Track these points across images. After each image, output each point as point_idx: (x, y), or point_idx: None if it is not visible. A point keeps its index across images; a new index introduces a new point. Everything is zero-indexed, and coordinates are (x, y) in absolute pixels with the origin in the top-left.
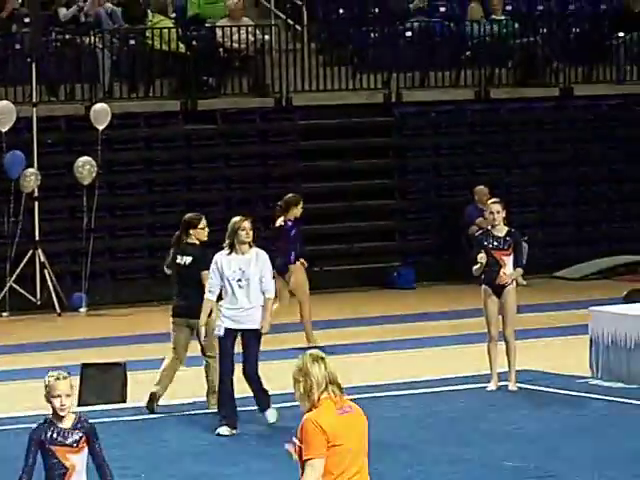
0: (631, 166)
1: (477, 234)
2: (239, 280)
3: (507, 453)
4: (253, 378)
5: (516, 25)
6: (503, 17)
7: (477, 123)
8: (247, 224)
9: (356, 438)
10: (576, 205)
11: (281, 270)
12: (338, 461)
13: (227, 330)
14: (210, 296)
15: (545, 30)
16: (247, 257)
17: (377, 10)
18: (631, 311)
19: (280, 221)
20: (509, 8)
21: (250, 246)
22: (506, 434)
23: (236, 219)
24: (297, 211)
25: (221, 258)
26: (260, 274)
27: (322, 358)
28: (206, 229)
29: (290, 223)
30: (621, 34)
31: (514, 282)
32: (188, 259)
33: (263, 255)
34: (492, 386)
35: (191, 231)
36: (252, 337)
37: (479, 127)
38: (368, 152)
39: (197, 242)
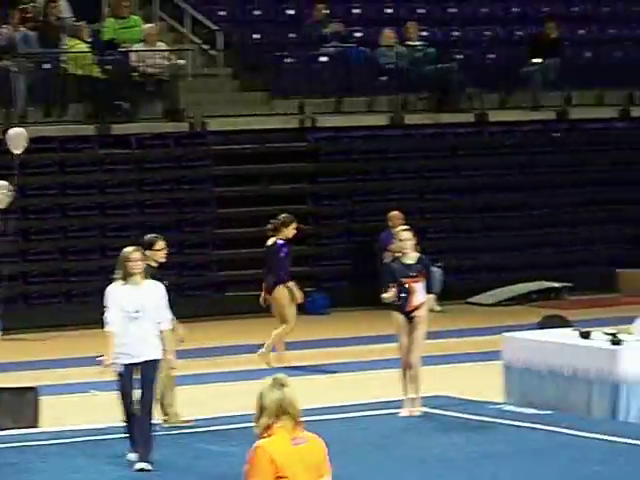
0: (544, 193)
1: (387, 261)
2: (136, 311)
3: (420, 479)
4: (146, 411)
5: (431, 51)
6: (418, 43)
7: (391, 149)
8: (136, 255)
9: (307, 471)
10: (490, 231)
11: (271, 289)
12: None
13: (125, 366)
14: (111, 328)
15: (460, 56)
16: (142, 288)
17: (293, 35)
18: (544, 337)
19: (271, 240)
20: (424, 34)
21: (142, 277)
22: (419, 460)
23: (126, 250)
24: (289, 232)
25: (115, 289)
26: (156, 305)
27: (282, 385)
28: (163, 250)
29: (281, 243)
30: (537, 60)
31: (425, 309)
32: None
33: (159, 286)
34: (405, 412)
35: (148, 252)
36: (150, 368)
37: (393, 153)
38: (282, 177)
39: (154, 263)
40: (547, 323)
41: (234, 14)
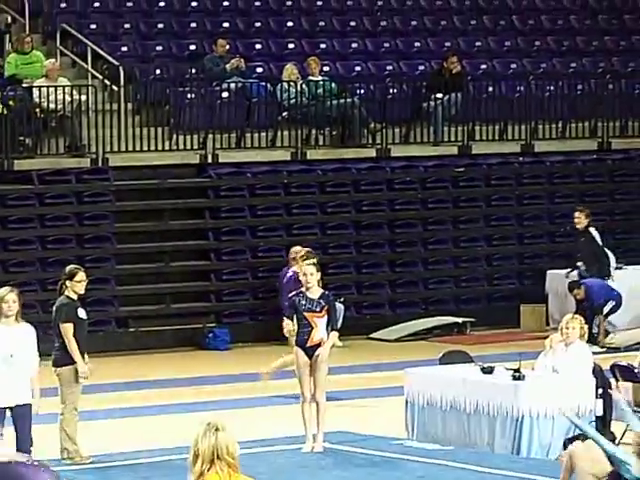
0: (445, 228)
1: (290, 295)
2: (10, 355)
3: None
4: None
5: (333, 86)
6: (320, 78)
7: (294, 184)
8: (11, 296)
9: None
10: (392, 266)
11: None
12: None
13: None
14: None
15: (362, 91)
16: (15, 330)
17: (194, 71)
18: (446, 373)
19: (285, 269)
20: (326, 69)
21: (17, 319)
22: None
23: (1, 291)
24: (299, 266)
25: None
26: (27, 349)
27: (217, 429)
28: (83, 282)
29: (291, 273)
30: (439, 95)
31: (329, 345)
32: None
33: (30, 329)
34: (307, 447)
35: (67, 283)
36: (23, 413)
37: (295, 188)
38: (184, 213)
39: (73, 295)
40: (449, 358)
41: (136, 49)
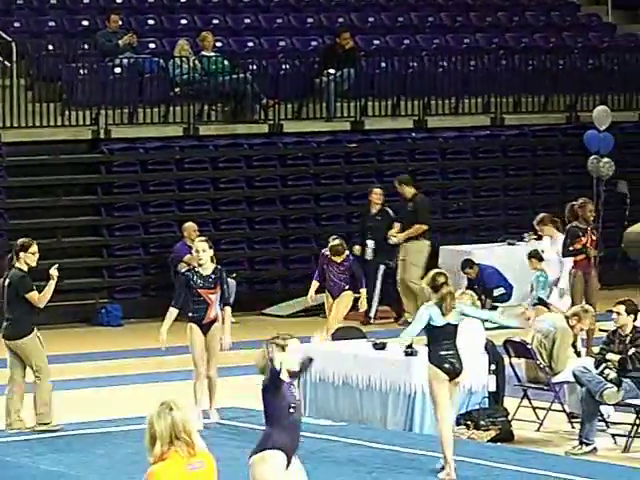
0: (338, 203)
1: (183, 271)
2: None
3: None
4: None
5: (225, 62)
6: (213, 54)
7: (186, 159)
8: None
9: None
10: (284, 243)
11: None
12: None
13: None
14: None
15: (255, 67)
16: None
17: (86, 46)
18: (339, 348)
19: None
20: (219, 44)
21: None
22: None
23: None
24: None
25: None
26: None
27: (171, 409)
28: (36, 255)
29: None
30: (331, 71)
31: (220, 320)
32: (7, 281)
33: None
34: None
35: (21, 254)
36: None
37: (188, 163)
38: (77, 188)
39: (24, 266)
40: (342, 334)
41: (28, 25)
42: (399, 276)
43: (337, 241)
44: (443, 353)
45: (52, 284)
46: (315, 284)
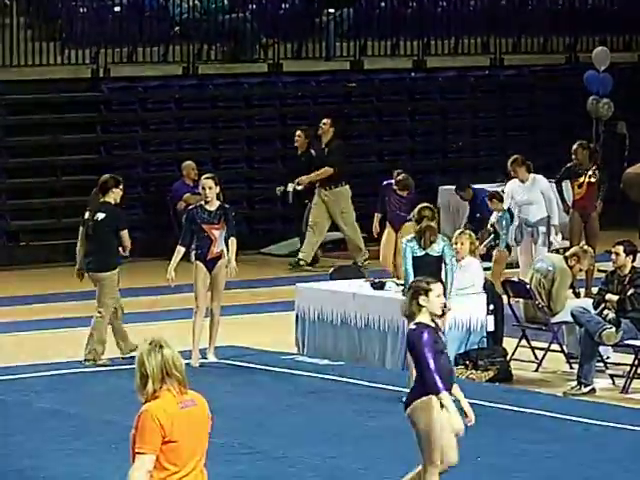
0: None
1: (190, 208)
2: None
3: (213, 430)
4: None
5: (225, 1)
6: None
7: (186, 99)
8: None
9: (195, 435)
10: (282, 182)
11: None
12: (174, 457)
13: None
14: None
15: (254, 6)
16: None
17: None
18: (336, 287)
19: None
20: None
21: None
22: (212, 410)
23: None
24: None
25: None
26: None
27: (161, 347)
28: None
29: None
30: (331, 10)
31: (225, 256)
32: (101, 215)
33: None
34: (194, 362)
35: (113, 189)
36: None
37: (188, 102)
38: (76, 127)
39: (112, 202)
40: (340, 273)
41: None
42: (311, 219)
43: (403, 175)
44: None
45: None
46: (378, 216)
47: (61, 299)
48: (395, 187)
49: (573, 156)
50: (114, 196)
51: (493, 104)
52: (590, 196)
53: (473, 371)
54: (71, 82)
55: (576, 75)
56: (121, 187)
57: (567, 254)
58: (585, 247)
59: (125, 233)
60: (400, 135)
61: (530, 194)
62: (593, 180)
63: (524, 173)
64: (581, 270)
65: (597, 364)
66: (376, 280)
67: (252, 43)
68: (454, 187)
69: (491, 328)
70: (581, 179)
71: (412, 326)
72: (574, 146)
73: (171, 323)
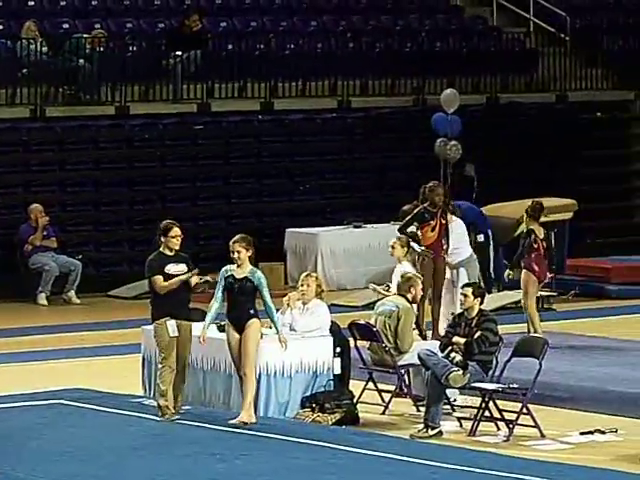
0: (184, 185)
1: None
2: None
3: (61, 472)
4: None
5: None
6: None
7: (33, 141)
8: None
9: None
10: (130, 224)
11: None
12: None
13: None
14: None
15: (102, 48)
16: None
17: None
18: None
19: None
20: (66, 26)
21: None
22: (59, 452)
23: None
24: None
25: None
26: None
27: None
28: (176, 238)
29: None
30: (178, 52)
31: None
32: None
33: None
34: None
35: (162, 238)
36: None
37: (35, 145)
38: None
39: (166, 250)
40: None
41: None
42: None
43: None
44: None
45: (180, 279)
46: None
47: None
48: None
49: (423, 197)
50: (166, 244)
51: (340, 146)
52: (442, 239)
53: (320, 414)
54: None
55: (424, 117)
56: (170, 234)
57: (401, 281)
58: (413, 274)
59: (153, 279)
60: (247, 178)
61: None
62: (443, 222)
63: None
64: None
65: (444, 407)
66: (222, 323)
67: (99, 85)
68: None
69: (338, 371)
70: (432, 222)
71: None
72: (429, 185)
73: (20, 365)
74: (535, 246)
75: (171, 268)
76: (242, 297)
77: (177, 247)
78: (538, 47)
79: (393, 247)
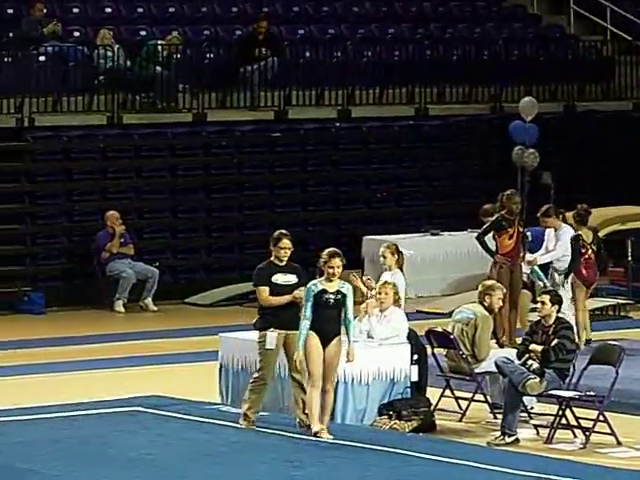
0: (262, 192)
1: None
2: None
3: (137, 479)
4: None
5: (150, 50)
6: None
7: (109, 148)
8: None
9: None
10: (208, 231)
11: None
12: None
13: None
14: None
15: (179, 55)
16: None
17: (10, 34)
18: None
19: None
20: (143, 33)
21: None
22: (129, 459)
23: None
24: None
25: None
26: None
27: None
28: (285, 250)
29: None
30: (255, 60)
31: None
32: None
33: None
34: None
35: (272, 248)
36: None
37: (112, 152)
38: (0, 176)
39: (275, 259)
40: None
41: None
42: None
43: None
44: None
45: (285, 299)
46: None
47: None
48: None
49: (500, 205)
50: (275, 254)
51: (417, 153)
52: (519, 247)
53: (397, 421)
54: None
55: (501, 125)
56: (280, 245)
57: (479, 291)
58: (493, 282)
59: (258, 290)
60: (324, 185)
61: (551, 244)
62: (520, 230)
63: (556, 222)
64: (499, 308)
65: (521, 414)
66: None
67: (177, 93)
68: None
69: (415, 378)
70: (510, 230)
71: None
72: (506, 193)
73: (96, 372)
74: (583, 251)
75: (279, 278)
76: (335, 311)
77: (285, 259)
78: (615, 55)
79: (384, 257)
